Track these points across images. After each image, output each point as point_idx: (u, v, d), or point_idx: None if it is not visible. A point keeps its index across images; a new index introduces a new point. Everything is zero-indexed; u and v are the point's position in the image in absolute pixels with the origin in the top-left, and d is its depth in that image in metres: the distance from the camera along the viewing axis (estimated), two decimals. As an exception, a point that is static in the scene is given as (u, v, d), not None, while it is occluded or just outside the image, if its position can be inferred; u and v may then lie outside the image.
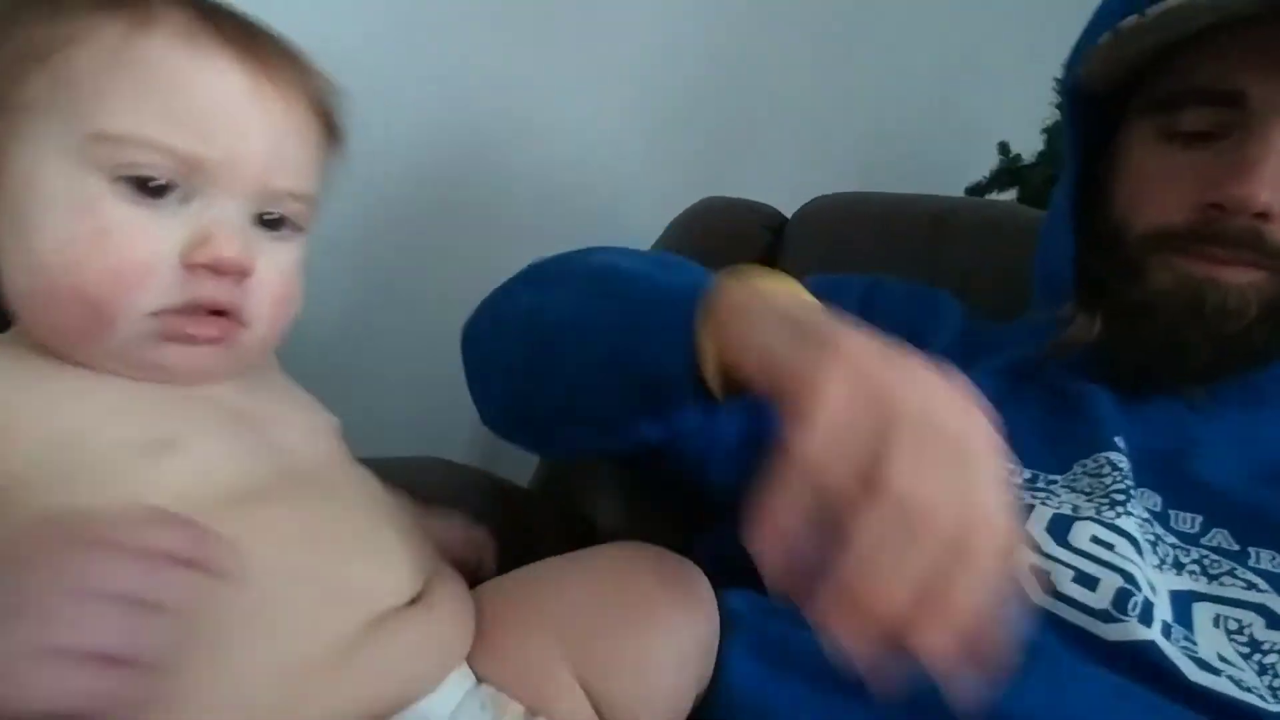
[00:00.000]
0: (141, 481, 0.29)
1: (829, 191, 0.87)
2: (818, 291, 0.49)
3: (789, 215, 0.85)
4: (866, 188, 0.89)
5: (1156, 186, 0.41)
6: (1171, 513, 0.41)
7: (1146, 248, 0.41)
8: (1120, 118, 0.45)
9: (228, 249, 0.30)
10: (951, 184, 1.05)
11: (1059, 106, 0.51)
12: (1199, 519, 0.41)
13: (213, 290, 0.31)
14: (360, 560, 0.33)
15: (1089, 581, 0.37)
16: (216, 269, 0.30)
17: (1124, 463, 0.42)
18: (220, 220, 0.31)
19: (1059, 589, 0.37)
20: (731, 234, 0.84)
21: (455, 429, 0.66)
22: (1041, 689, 0.32)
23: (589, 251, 0.43)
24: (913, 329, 0.45)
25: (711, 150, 1.38)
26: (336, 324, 1.10)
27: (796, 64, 1.36)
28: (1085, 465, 0.42)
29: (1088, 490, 0.41)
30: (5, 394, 0.30)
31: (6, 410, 0.29)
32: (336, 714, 0.29)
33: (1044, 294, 0.48)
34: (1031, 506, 0.40)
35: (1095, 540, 0.38)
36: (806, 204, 0.87)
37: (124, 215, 0.29)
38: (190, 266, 0.30)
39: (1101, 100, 0.45)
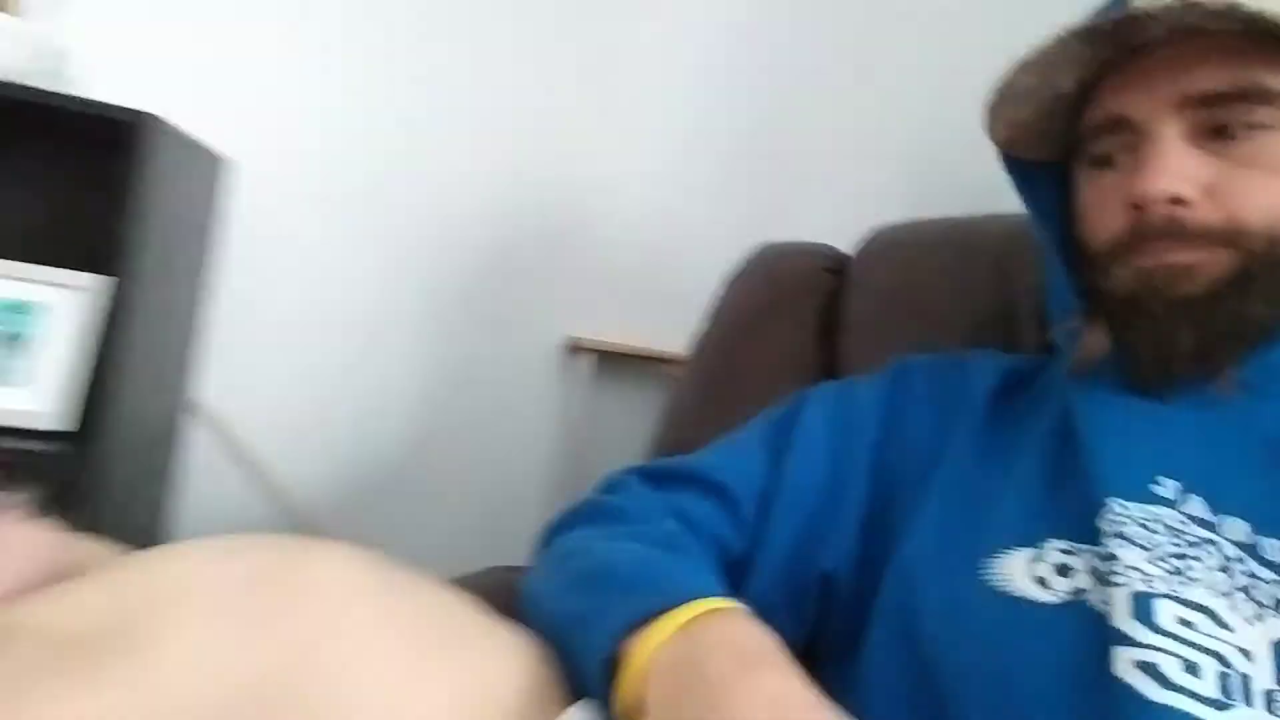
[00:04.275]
0: None
1: (885, 222, 0.84)
2: (838, 404, 0.56)
3: (848, 250, 0.83)
4: (924, 214, 0.86)
5: (1097, 207, 0.47)
6: (1263, 540, 0.39)
7: (1109, 259, 0.46)
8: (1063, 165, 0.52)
9: None
10: (1012, 203, 1.03)
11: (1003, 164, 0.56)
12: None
13: None
14: None
15: (1194, 669, 0.35)
16: None
17: (1173, 517, 0.40)
18: None
19: (1172, 680, 0.34)
20: (794, 280, 0.83)
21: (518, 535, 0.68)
22: None
23: (594, 538, 0.47)
24: (940, 408, 0.53)
25: (764, 191, 1.38)
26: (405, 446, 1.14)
27: (843, 95, 1.37)
28: (1128, 509, 0.40)
29: (1145, 545, 0.39)
30: None
31: None
32: None
33: (1056, 318, 0.51)
34: (1106, 588, 0.38)
35: (1181, 621, 0.36)
36: (869, 238, 0.84)
37: None
38: None
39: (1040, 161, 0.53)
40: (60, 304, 0.80)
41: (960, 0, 1.36)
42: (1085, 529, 0.41)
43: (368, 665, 0.32)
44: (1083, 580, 0.39)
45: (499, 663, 0.35)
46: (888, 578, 0.45)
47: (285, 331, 1.15)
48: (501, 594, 0.50)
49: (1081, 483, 0.42)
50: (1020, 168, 0.54)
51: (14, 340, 0.78)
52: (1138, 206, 0.44)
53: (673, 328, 1.10)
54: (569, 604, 0.41)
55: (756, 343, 0.78)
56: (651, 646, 0.34)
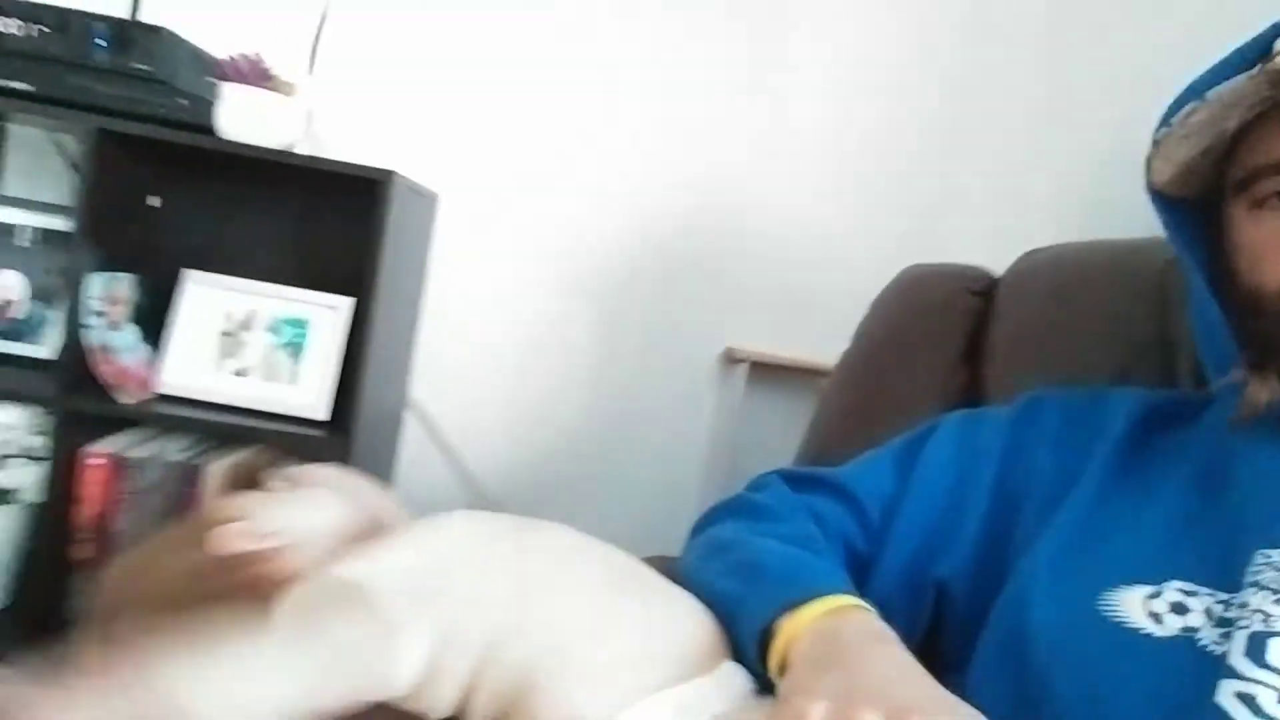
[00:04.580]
0: None
1: (1039, 245, 0.83)
2: (965, 429, 0.60)
3: (997, 273, 0.83)
4: (1084, 237, 0.84)
5: (1264, 252, 0.46)
6: None
7: None
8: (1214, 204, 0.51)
9: None
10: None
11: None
12: None
13: None
14: None
15: None
16: None
17: None
18: None
19: (1266, 710, 0.37)
20: (937, 305, 0.84)
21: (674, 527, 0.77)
22: None
23: (749, 530, 0.54)
24: (1071, 442, 0.53)
25: (924, 208, 1.39)
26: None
27: (1009, 115, 1.35)
28: (1271, 558, 0.41)
29: (1275, 588, 0.40)
30: None
31: None
32: None
33: (1213, 369, 0.51)
34: (1228, 634, 0.40)
35: None
36: (1018, 260, 0.84)
37: None
38: None
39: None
40: (321, 320, 1.01)
41: (1133, 20, 1.30)
42: (1217, 574, 0.42)
43: (579, 602, 0.43)
44: (1196, 619, 0.41)
45: (681, 617, 0.45)
46: (1001, 598, 0.48)
47: (481, 340, 1.33)
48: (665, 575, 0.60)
49: (1226, 530, 0.43)
50: (1166, 206, 0.52)
51: (295, 349, 1.01)
52: None
53: (827, 341, 1.16)
54: (728, 586, 0.48)
55: (899, 366, 0.80)
56: (800, 624, 0.41)
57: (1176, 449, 0.50)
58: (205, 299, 1.00)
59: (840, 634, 0.40)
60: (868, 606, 0.43)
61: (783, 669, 0.41)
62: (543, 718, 0.40)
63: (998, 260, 0.85)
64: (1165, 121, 0.48)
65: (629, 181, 1.33)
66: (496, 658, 0.40)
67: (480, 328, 1.33)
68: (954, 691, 0.46)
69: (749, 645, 0.44)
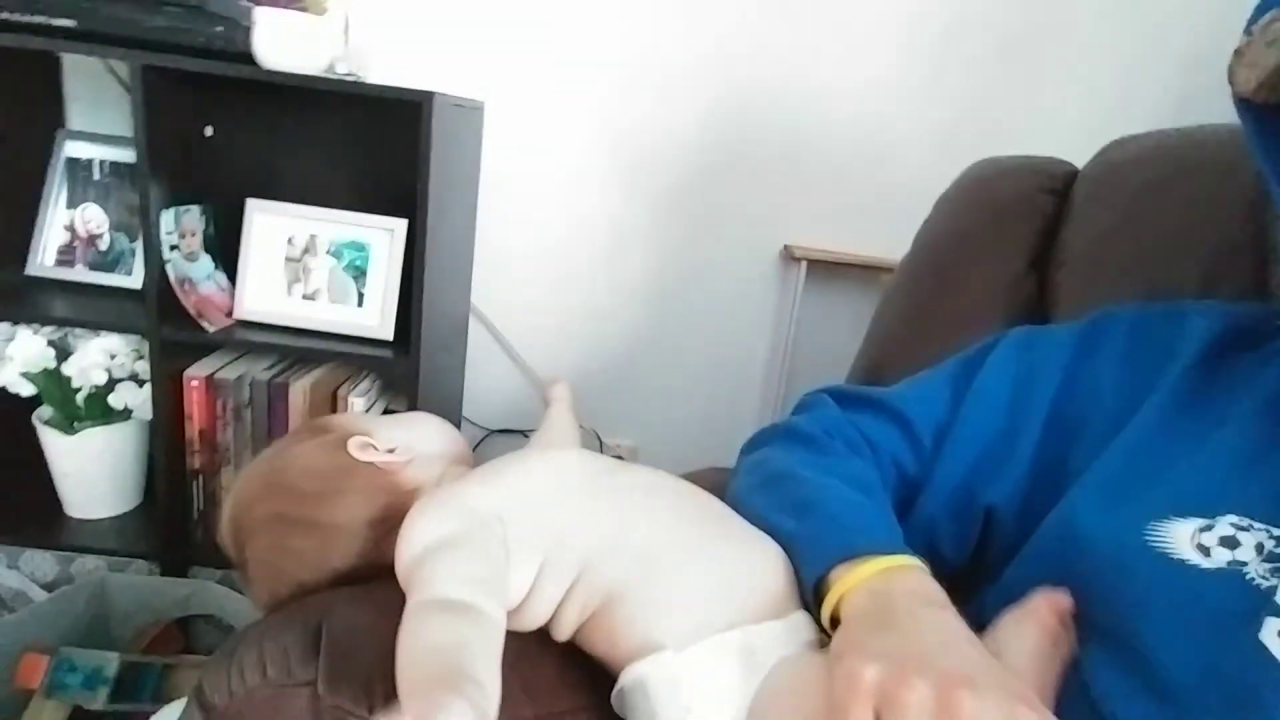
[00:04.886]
0: None
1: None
2: (1025, 350, 0.58)
3: (1081, 166, 0.78)
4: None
5: None
6: None
7: None
8: None
9: None
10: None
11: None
12: None
13: None
14: None
15: None
16: None
17: None
18: None
19: None
20: (1008, 204, 0.79)
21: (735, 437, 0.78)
22: None
23: (800, 464, 0.54)
24: (1139, 363, 0.51)
25: (995, 98, 1.27)
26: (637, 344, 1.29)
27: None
28: None
29: None
30: None
31: None
32: None
33: None
34: (1278, 569, 0.39)
35: None
36: (1104, 149, 0.78)
37: None
38: None
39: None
40: (379, 243, 1.03)
41: None
42: (1277, 509, 0.40)
43: (666, 537, 0.46)
44: (1246, 554, 0.40)
45: (759, 561, 0.47)
46: (1049, 520, 0.48)
47: (539, 243, 1.34)
48: (716, 494, 0.59)
49: (1275, 465, 0.42)
50: (1252, 115, 0.48)
51: (358, 272, 1.04)
52: None
53: (889, 238, 1.12)
54: (785, 524, 0.49)
55: (961, 273, 0.76)
56: (855, 579, 0.42)
57: (1252, 373, 0.47)
58: (269, 226, 1.03)
59: (893, 595, 0.41)
60: (921, 565, 0.44)
61: (835, 622, 0.42)
62: (620, 635, 0.44)
63: (1080, 156, 0.78)
64: (1248, 29, 0.44)
65: (685, 77, 1.26)
66: (588, 579, 0.45)
67: (537, 231, 1.33)
68: (989, 602, 0.48)
69: (804, 590, 0.46)
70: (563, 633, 0.47)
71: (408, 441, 0.55)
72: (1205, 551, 0.41)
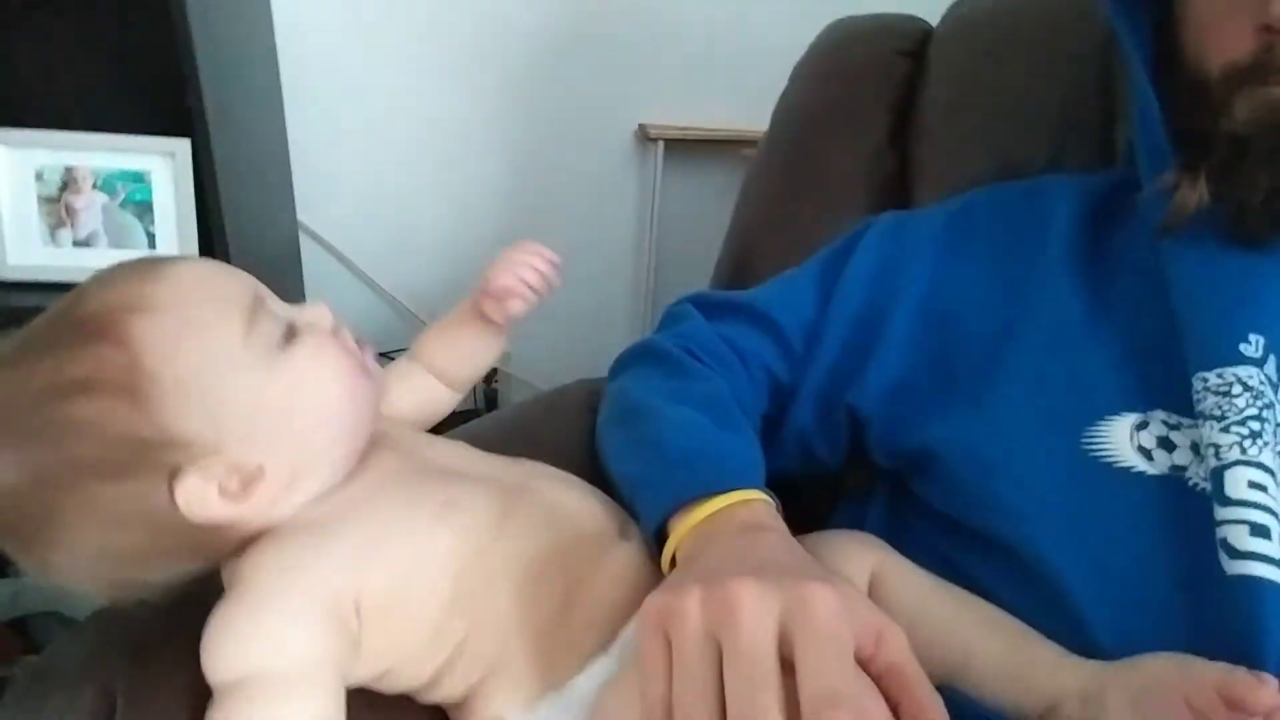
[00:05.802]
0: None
1: None
2: (889, 241, 0.55)
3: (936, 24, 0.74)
4: None
5: (1214, 24, 0.42)
6: None
7: (1228, 87, 0.40)
8: None
9: None
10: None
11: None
12: None
13: None
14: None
15: (1263, 531, 0.36)
16: None
17: (1254, 376, 0.38)
18: None
19: (1239, 547, 0.36)
20: (863, 70, 0.75)
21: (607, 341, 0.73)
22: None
23: (657, 393, 0.51)
24: (1011, 242, 0.49)
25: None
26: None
27: None
28: (1208, 381, 0.39)
29: (1219, 415, 0.38)
30: None
31: None
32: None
33: (1149, 166, 0.45)
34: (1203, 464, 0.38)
35: (1251, 485, 0.36)
36: (953, 6, 0.74)
37: None
38: None
39: None
40: (160, 169, 0.86)
41: None
42: (1182, 401, 0.39)
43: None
44: (1183, 456, 0.39)
45: (594, 597, 0.41)
46: (961, 438, 0.44)
47: (370, 144, 1.18)
48: (589, 410, 0.57)
49: (1173, 355, 0.40)
50: None
51: (141, 207, 0.87)
52: (1270, 29, 0.38)
53: (748, 108, 1.05)
54: (629, 467, 0.47)
55: (824, 151, 0.72)
56: (685, 528, 0.39)
57: (1126, 250, 0.46)
58: (8, 161, 0.83)
59: (714, 533, 0.38)
60: (764, 497, 0.40)
61: None
62: (472, 708, 0.39)
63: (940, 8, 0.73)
64: None
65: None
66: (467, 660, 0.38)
67: (367, 131, 1.17)
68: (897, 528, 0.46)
69: (649, 544, 0.43)
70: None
71: (286, 451, 0.36)
72: (1147, 455, 0.40)
